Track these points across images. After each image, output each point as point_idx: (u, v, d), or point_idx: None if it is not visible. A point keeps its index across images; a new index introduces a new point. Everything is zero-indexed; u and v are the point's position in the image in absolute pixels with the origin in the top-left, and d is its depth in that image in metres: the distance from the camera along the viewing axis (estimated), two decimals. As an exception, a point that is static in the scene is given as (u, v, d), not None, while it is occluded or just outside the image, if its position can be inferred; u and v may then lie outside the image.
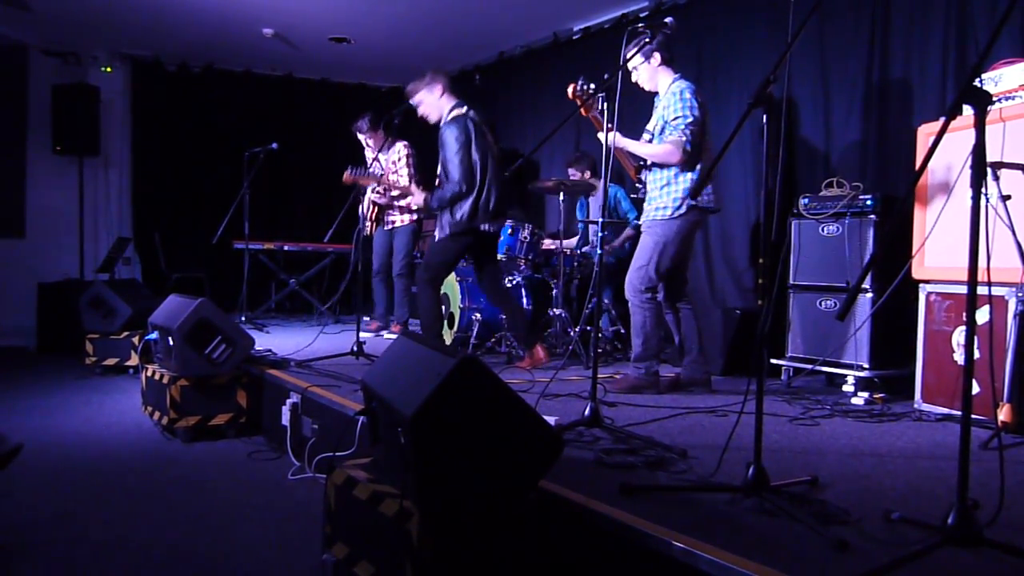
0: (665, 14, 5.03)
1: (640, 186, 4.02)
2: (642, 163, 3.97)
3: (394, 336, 5.97)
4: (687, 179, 3.79)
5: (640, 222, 4.00)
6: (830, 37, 4.74)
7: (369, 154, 6.27)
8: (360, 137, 6.24)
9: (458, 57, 7.83)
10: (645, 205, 3.95)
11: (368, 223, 6.15)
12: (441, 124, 4.44)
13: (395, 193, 5.98)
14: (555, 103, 6.92)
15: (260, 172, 6.62)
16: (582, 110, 3.82)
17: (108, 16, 6.71)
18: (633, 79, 3.94)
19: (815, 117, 4.84)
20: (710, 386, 4.04)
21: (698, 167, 3.80)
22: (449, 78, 4.58)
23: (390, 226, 6.16)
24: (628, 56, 3.86)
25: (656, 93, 3.97)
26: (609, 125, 3.83)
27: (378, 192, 6.02)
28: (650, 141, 3.90)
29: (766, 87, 2.11)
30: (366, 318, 6.34)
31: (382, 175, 5.88)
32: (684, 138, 3.72)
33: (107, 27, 7.07)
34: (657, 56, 3.85)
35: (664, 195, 3.83)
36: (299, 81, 8.68)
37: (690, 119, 3.73)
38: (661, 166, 3.84)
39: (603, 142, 3.84)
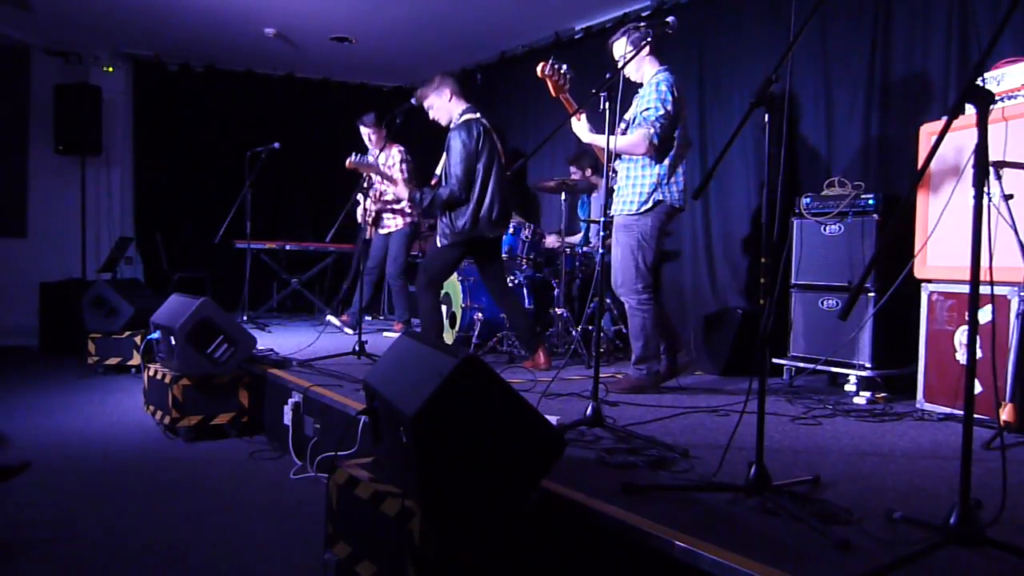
0: (667, 13, 5.02)
1: (613, 175, 4.01)
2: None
3: (396, 335, 5.98)
4: (654, 174, 3.79)
5: (612, 214, 3.98)
6: (832, 36, 4.73)
7: (371, 151, 6.33)
8: (363, 131, 6.34)
9: (460, 56, 7.82)
10: (615, 196, 3.94)
11: (369, 227, 6.28)
12: (451, 127, 4.44)
13: (388, 197, 6.12)
14: (557, 103, 6.88)
15: (262, 172, 6.62)
16: (552, 91, 3.82)
17: (110, 16, 6.71)
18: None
19: (817, 116, 4.83)
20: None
21: (667, 162, 3.79)
22: (458, 82, 4.58)
23: (386, 230, 6.30)
24: (612, 41, 3.85)
25: (641, 84, 3.93)
26: (581, 110, 3.82)
27: (372, 198, 6.16)
28: (625, 130, 3.88)
29: (768, 86, 2.10)
30: (341, 318, 6.44)
31: (380, 165, 5.94)
32: (652, 131, 3.71)
33: (109, 27, 7.07)
34: (645, 46, 3.81)
35: (630, 188, 3.84)
36: (301, 81, 8.67)
37: (661, 112, 3.71)
38: (630, 157, 3.83)
39: (574, 129, 3.86)
